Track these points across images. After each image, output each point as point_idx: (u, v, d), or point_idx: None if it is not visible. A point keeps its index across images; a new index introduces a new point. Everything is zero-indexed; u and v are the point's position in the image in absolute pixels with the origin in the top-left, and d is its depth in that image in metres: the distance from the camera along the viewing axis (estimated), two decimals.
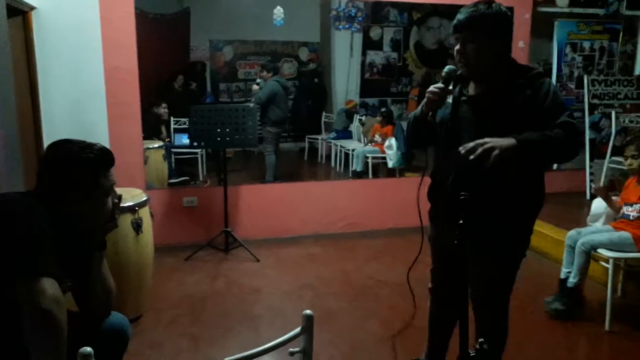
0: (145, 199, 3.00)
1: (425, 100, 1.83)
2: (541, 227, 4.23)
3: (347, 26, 7.40)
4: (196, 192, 4.51)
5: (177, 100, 6.35)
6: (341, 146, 6.78)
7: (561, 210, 4.75)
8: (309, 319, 1.30)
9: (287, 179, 5.94)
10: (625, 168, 3.13)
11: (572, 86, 5.43)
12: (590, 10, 5.49)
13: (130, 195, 2.95)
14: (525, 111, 1.72)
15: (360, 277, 3.65)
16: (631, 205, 3.03)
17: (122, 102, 3.94)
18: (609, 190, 3.26)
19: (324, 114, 7.89)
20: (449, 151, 1.81)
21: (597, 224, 3.26)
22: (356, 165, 6.15)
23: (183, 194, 4.37)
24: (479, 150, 1.61)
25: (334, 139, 7.10)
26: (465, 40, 1.76)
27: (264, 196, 4.56)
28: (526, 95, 1.74)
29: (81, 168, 1.53)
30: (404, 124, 5.56)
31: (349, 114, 7.34)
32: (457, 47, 1.79)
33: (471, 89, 1.87)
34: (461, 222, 1.56)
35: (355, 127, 7.08)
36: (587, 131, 5.18)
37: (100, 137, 3.75)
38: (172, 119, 6.13)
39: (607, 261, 2.95)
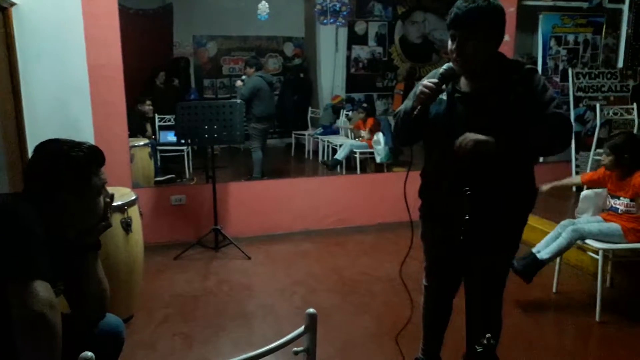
0: (134, 197, 2.95)
1: (416, 94, 1.79)
2: (529, 219, 4.26)
3: (331, 21, 7.37)
4: (184, 190, 4.45)
5: (160, 97, 6.27)
6: (328, 141, 6.76)
7: (548, 202, 4.79)
8: (312, 318, 1.28)
9: (274, 176, 5.91)
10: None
11: (557, 79, 5.47)
12: (574, 4, 5.54)
13: (119, 195, 2.90)
14: (518, 107, 1.71)
15: (352, 273, 3.64)
16: (618, 198, 3.06)
17: (106, 99, 3.86)
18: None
19: (310, 109, 7.87)
20: (444, 148, 1.79)
21: (585, 215, 3.29)
22: (339, 155, 6.11)
23: (170, 192, 4.31)
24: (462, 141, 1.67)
25: (320, 134, 7.08)
26: (463, 37, 1.69)
27: (253, 193, 4.53)
28: (519, 91, 1.72)
29: (71, 167, 1.49)
30: (391, 119, 5.58)
31: (335, 110, 7.33)
32: (455, 45, 1.72)
33: (464, 86, 1.84)
34: (467, 217, 1.55)
35: (342, 122, 7.07)
36: (573, 124, 5.22)
37: (85, 135, 3.68)
38: (156, 116, 6.06)
39: (596, 252, 2.98)
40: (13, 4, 3.47)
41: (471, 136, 1.67)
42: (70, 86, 3.76)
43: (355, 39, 7.90)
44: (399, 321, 2.70)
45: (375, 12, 7.97)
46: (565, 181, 3.45)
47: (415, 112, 1.77)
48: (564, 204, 4.85)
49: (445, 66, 1.78)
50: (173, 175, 5.63)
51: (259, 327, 2.91)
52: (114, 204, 2.81)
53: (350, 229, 4.61)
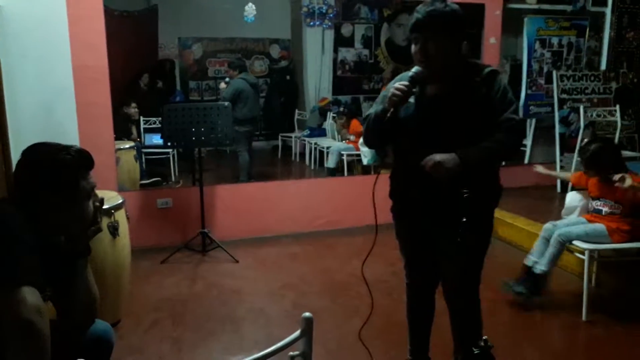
0: (121, 201, 2.92)
1: (388, 97, 1.82)
2: (514, 220, 4.32)
3: (318, 23, 7.37)
4: (170, 193, 4.41)
5: (144, 99, 6.21)
6: (316, 144, 6.75)
7: (533, 203, 4.86)
8: (308, 322, 1.27)
9: (262, 178, 5.89)
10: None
11: (542, 81, 5.54)
12: (558, 7, 5.61)
13: (106, 198, 2.85)
14: (481, 107, 1.80)
15: (341, 275, 3.64)
16: (599, 199, 3.10)
17: (92, 101, 3.82)
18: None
19: (296, 111, 7.85)
20: (413, 150, 1.87)
21: (572, 217, 3.33)
22: (329, 163, 6.11)
23: (157, 195, 4.27)
24: (430, 163, 1.76)
25: (307, 136, 7.07)
26: (426, 39, 1.78)
27: (240, 196, 4.51)
28: (482, 92, 1.80)
29: (58, 170, 1.46)
30: None
31: (322, 112, 7.32)
32: (418, 46, 1.80)
33: (430, 89, 1.90)
34: (464, 220, 1.59)
35: (329, 124, 7.07)
36: (557, 125, 5.30)
37: (70, 138, 3.63)
38: (141, 118, 6.00)
39: (582, 253, 3.02)
40: None
41: (437, 157, 1.76)
42: (54, 88, 3.71)
43: (341, 42, 7.90)
44: (389, 323, 2.72)
45: (361, 14, 7.98)
46: (559, 174, 3.52)
47: (388, 115, 1.81)
48: (548, 204, 4.92)
49: (414, 69, 1.83)
50: (159, 179, 5.58)
51: (249, 330, 2.89)
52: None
53: (339, 231, 4.61)
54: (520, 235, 4.20)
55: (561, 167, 5.28)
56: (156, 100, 6.20)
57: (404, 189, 2.01)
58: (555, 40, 5.54)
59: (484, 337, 1.53)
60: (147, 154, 5.72)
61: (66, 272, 1.56)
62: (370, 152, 5.88)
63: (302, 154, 7.22)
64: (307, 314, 1.29)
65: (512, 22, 5.72)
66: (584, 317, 2.93)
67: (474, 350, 1.54)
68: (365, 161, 5.94)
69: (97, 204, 1.60)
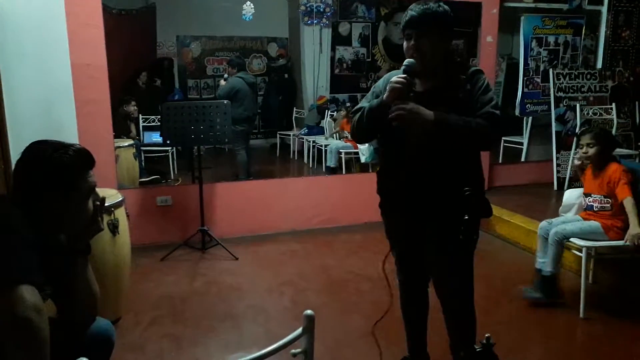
0: (120, 199, 2.93)
1: (388, 89, 1.84)
2: (512, 218, 4.35)
3: (315, 21, 7.38)
4: (170, 190, 4.42)
5: (142, 97, 6.22)
6: (314, 142, 6.77)
7: (530, 201, 4.89)
8: (310, 319, 1.28)
9: (260, 176, 5.90)
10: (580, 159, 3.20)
11: (539, 80, 5.56)
12: (555, 6, 5.63)
13: (105, 196, 2.86)
14: (465, 103, 1.85)
15: (340, 272, 3.66)
16: (591, 196, 3.12)
17: (91, 99, 3.82)
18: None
19: (294, 109, 7.87)
20: (401, 146, 1.92)
21: (569, 215, 3.35)
22: (330, 162, 6.14)
23: (156, 193, 4.28)
24: (399, 111, 1.77)
25: (305, 134, 7.09)
26: (420, 36, 1.84)
27: (239, 193, 4.52)
28: (467, 89, 1.88)
29: (56, 169, 1.46)
30: None
31: (320, 110, 7.34)
32: (411, 42, 1.86)
33: (418, 86, 1.93)
34: (466, 217, 1.61)
35: (326, 122, 7.09)
36: (554, 123, 5.33)
37: (70, 136, 3.63)
38: (140, 116, 6.00)
39: (579, 250, 3.04)
40: None
41: (415, 106, 1.79)
42: (53, 86, 3.71)
43: (339, 40, 7.91)
44: (388, 320, 2.73)
45: (358, 13, 7.99)
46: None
47: (392, 107, 1.83)
48: (545, 202, 4.95)
49: (406, 61, 1.86)
50: (158, 176, 5.58)
51: (249, 327, 2.91)
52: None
53: (337, 228, 4.63)
54: (517, 232, 4.23)
55: (557, 165, 5.32)
56: (155, 98, 6.21)
57: (391, 186, 2.04)
58: (551, 39, 5.56)
59: (486, 335, 1.55)
60: (146, 152, 5.73)
61: (67, 271, 1.56)
62: (368, 150, 5.91)
63: (301, 152, 7.24)
64: (309, 311, 1.30)
65: (508, 21, 5.75)
66: (581, 314, 2.96)
67: (476, 347, 1.57)
68: (363, 159, 5.97)
69: (98, 203, 1.60)
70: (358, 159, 6.09)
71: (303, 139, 7.11)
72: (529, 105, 5.60)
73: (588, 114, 5.18)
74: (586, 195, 3.16)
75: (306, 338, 1.30)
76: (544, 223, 3.20)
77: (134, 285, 3.30)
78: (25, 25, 3.57)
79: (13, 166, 1.55)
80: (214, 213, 4.34)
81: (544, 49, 5.55)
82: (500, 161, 6.08)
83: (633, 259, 3.14)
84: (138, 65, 6.77)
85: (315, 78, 7.77)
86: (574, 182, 5.16)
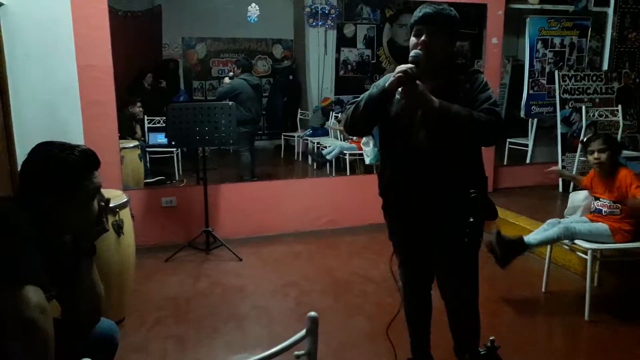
0: (125, 200, 2.94)
1: (394, 77, 1.81)
2: (517, 220, 4.33)
3: (320, 23, 7.39)
4: (174, 192, 4.44)
5: (147, 98, 6.24)
6: (318, 143, 6.77)
7: (535, 203, 4.87)
8: (313, 321, 1.27)
9: (265, 177, 5.91)
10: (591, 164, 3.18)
11: (544, 81, 5.54)
12: (560, 7, 5.62)
13: (110, 197, 2.87)
14: (466, 102, 1.86)
15: (344, 274, 3.66)
16: (600, 199, 3.11)
17: (96, 101, 3.84)
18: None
19: (299, 111, 7.88)
20: (402, 146, 1.93)
21: (575, 217, 3.34)
22: (329, 154, 6.10)
23: (161, 194, 4.29)
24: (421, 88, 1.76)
25: (310, 136, 7.09)
26: (431, 33, 1.86)
27: (243, 195, 4.53)
28: (466, 88, 1.90)
29: (60, 170, 1.47)
30: None
31: (325, 112, 7.35)
32: (421, 38, 1.87)
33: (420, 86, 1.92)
34: (472, 220, 1.61)
35: (331, 124, 7.09)
36: (559, 125, 5.31)
37: (75, 137, 3.65)
38: (145, 117, 6.03)
39: (585, 252, 3.02)
40: (1, 4, 3.43)
41: (424, 93, 1.78)
42: (59, 87, 3.73)
43: (344, 42, 7.92)
44: (395, 321, 2.73)
45: (363, 15, 8.00)
46: (573, 175, 3.49)
47: (397, 93, 1.83)
48: (550, 204, 4.93)
49: (413, 52, 1.86)
50: (163, 177, 5.61)
51: (253, 328, 2.91)
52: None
53: (341, 230, 4.63)
54: (522, 234, 4.20)
55: (563, 167, 5.29)
56: (160, 99, 6.24)
57: (394, 188, 2.03)
58: (557, 41, 5.54)
59: (490, 338, 1.55)
60: (151, 153, 5.75)
61: (71, 271, 1.57)
62: (372, 152, 5.90)
63: (305, 154, 7.25)
64: (313, 313, 1.29)
65: (513, 22, 5.73)
66: (586, 317, 2.94)
67: (481, 350, 1.56)
68: (367, 160, 5.95)
69: (103, 204, 1.60)
70: (362, 160, 6.08)
71: (307, 140, 7.12)
72: (534, 106, 5.58)
73: (594, 115, 5.16)
74: (596, 198, 3.15)
75: (310, 340, 1.30)
76: (552, 220, 3.18)
77: (138, 285, 3.31)
78: (32, 27, 3.60)
79: (19, 167, 1.55)
80: (218, 214, 4.35)
81: (549, 51, 5.53)
82: (505, 163, 6.07)
83: (638, 262, 3.13)
84: (143, 67, 6.80)
85: (319, 79, 7.78)
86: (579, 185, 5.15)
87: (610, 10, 5.70)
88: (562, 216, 3.45)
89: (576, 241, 3.03)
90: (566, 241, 3.08)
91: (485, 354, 1.55)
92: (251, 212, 4.48)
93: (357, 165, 6.21)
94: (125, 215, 2.91)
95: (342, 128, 6.59)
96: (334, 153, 6.10)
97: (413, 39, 1.91)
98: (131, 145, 4.98)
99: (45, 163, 1.47)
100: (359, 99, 2.01)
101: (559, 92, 5.28)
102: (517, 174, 5.55)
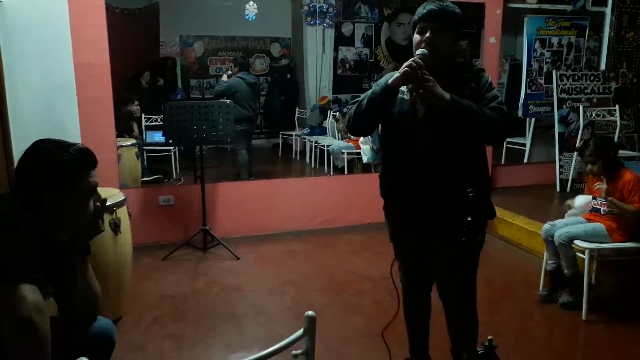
0: (122, 198, 2.93)
1: (399, 73, 1.81)
2: (514, 219, 4.33)
3: (318, 22, 7.38)
4: (172, 190, 4.42)
5: (144, 96, 6.22)
6: (316, 142, 6.76)
7: (533, 202, 4.87)
8: (311, 321, 1.27)
9: (262, 176, 5.89)
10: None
11: (542, 81, 5.54)
12: (558, 7, 5.62)
13: (107, 195, 2.85)
14: (471, 101, 1.83)
15: (342, 273, 3.65)
16: (598, 198, 3.11)
17: (93, 98, 3.83)
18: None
19: (297, 109, 7.86)
20: (406, 146, 1.93)
21: (574, 218, 3.31)
22: (336, 161, 6.10)
23: (158, 192, 4.29)
24: (432, 83, 1.76)
25: (307, 134, 7.08)
26: (436, 30, 1.85)
27: (241, 193, 4.52)
28: (471, 87, 1.89)
29: (56, 167, 1.45)
30: None
31: (322, 110, 7.33)
32: (426, 35, 1.86)
33: None
34: (469, 219, 1.60)
35: (329, 123, 7.09)
36: (557, 125, 5.32)
37: (72, 135, 3.63)
38: (143, 116, 6.01)
39: (582, 252, 3.03)
40: None
41: (436, 86, 1.78)
42: (56, 85, 3.71)
43: (342, 40, 7.89)
44: (393, 321, 2.73)
45: (361, 13, 7.98)
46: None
47: (401, 92, 1.86)
48: (548, 203, 4.94)
49: (419, 51, 1.85)
50: (160, 176, 5.58)
51: (250, 327, 2.90)
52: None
53: (339, 229, 4.62)
54: (520, 234, 4.22)
55: (560, 167, 5.30)
56: (157, 98, 6.21)
57: (396, 189, 2.02)
58: (555, 40, 5.55)
59: (488, 337, 1.55)
60: (148, 151, 5.73)
61: (67, 271, 1.55)
62: (370, 151, 5.90)
63: (303, 152, 7.24)
64: (310, 312, 1.29)
65: (511, 22, 5.73)
66: (583, 317, 2.95)
67: (479, 350, 1.56)
68: (365, 159, 5.96)
69: (99, 204, 1.58)
70: (360, 159, 6.07)
71: (305, 139, 7.11)
72: (532, 106, 5.59)
73: (591, 115, 5.17)
74: (594, 197, 3.15)
75: (307, 339, 1.29)
76: (546, 226, 3.19)
77: (136, 284, 3.30)
78: (28, 24, 3.57)
79: (16, 164, 1.54)
80: (215, 213, 4.34)
81: (547, 50, 5.53)
82: (502, 162, 6.07)
83: (636, 261, 3.13)
84: (141, 65, 6.77)
85: (317, 78, 7.76)
86: (577, 184, 5.16)
87: (608, 10, 5.71)
88: (559, 216, 3.44)
89: (574, 241, 3.03)
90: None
91: (483, 354, 1.55)
92: (249, 210, 4.47)
93: (355, 164, 6.20)
94: (122, 213, 2.90)
95: (341, 127, 6.60)
96: (341, 158, 6.07)
97: (417, 37, 1.89)
98: (128, 143, 4.96)
99: (41, 160, 1.46)
100: (360, 97, 1.99)
101: (557, 92, 5.28)
102: (514, 174, 5.56)
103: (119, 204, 2.88)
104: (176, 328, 2.87)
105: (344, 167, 6.05)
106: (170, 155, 5.87)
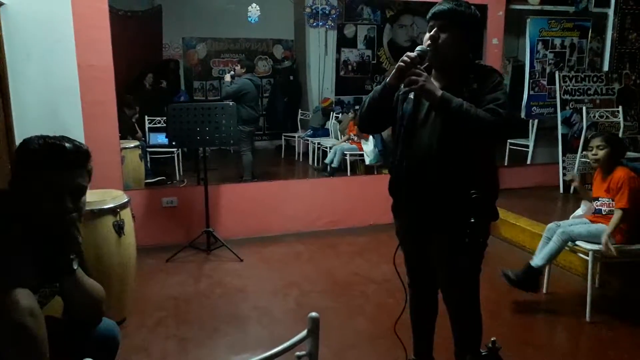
0: (126, 200, 2.93)
1: (394, 70, 1.82)
2: (517, 221, 4.32)
3: (321, 24, 7.40)
4: (175, 192, 4.44)
5: (148, 98, 6.25)
6: (319, 143, 6.77)
7: (536, 203, 4.87)
8: (315, 322, 1.27)
9: (265, 178, 5.91)
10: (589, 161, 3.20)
11: (544, 82, 5.54)
12: (561, 8, 5.62)
13: (111, 197, 2.88)
14: (470, 101, 1.78)
15: (345, 275, 3.65)
16: (599, 199, 3.11)
17: (97, 101, 3.84)
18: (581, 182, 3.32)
19: (300, 111, 7.88)
20: (407, 145, 1.92)
21: (576, 220, 3.31)
22: (331, 161, 6.11)
23: (162, 194, 4.29)
24: (413, 77, 1.76)
25: (310, 136, 7.10)
26: (442, 28, 1.84)
27: (244, 195, 4.52)
28: (473, 88, 1.84)
29: (23, 149, 1.43)
30: None
31: (325, 112, 7.35)
32: (432, 32, 1.86)
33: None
34: (472, 220, 1.60)
35: (331, 124, 7.10)
36: (560, 126, 5.31)
37: (75, 137, 3.57)
38: (146, 117, 6.03)
39: (586, 253, 3.02)
40: (1, 4, 3.43)
41: (428, 82, 1.78)
42: (59, 87, 3.73)
43: (344, 42, 7.93)
44: (394, 323, 2.73)
45: (364, 15, 8.00)
46: (585, 192, 3.40)
47: (401, 89, 1.85)
48: (551, 205, 4.93)
49: (418, 47, 1.85)
50: (163, 177, 5.61)
51: (254, 329, 2.90)
52: (105, 207, 2.79)
53: (342, 230, 4.62)
54: (523, 235, 4.21)
55: (563, 168, 5.29)
56: (160, 99, 6.24)
57: (398, 187, 2.02)
58: (557, 41, 5.54)
59: (492, 339, 1.54)
60: (151, 153, 5.76)
61: (62, 288, 1.53)
62: (372, 152, 5.90)
63: (305, 154, 7.25)
64: (314, 313, 1.29)
65: (514, 23, 5.73)
66: (587, 318, 2.94)
67: (482, 351, 1.55)
68: (367, 161, 5.97)
69: (75, 214, 1.49)
70: (363, 160, 6.08)
71: (308, 140, 7.12)
72: (534, 107, 5.58)
73: (594, 116, 5.16)
74: (595, 198, 3.15)
75: (311, 340, 1.29)
76: (552, 225, 3.18)
77: (139, 286, 3.30)
78: (32, 26, 3.60)
79: None
80: (219, 214, 4.34)
81: (550, 52, 5.53)
82: (506, 164, 6.07)
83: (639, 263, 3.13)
84: (144, 67, 6.80)
85: (320, 80, 7.78)
86: (571, 183, 5.14)
87: (611, 11, 5.70)
88: (562, 217, 3.44)
89: (577, 242, 3.03)
90: (569, 243, 3.08)
91: (486, 355, 1.55)
92: (252, 212, 4.48)
93: (358, 166, 6.21)
94: (126, 215, 2.91)
95: (346, 134, 6.60)
96: (337, 158, 6.09)
97: (425, 35, 1.90)
98: (132, 145, 4.98)
99: (17, 152, 1.46)
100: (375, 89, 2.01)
101: (560, 93, 5.28)
102: (518, 175, 5.55)
103: (123, 206, 2.88)
104: (180, 329, 2.87)
105: (336, 168, 6.06)
106: (174, 157, 5.90)
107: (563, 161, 5.30)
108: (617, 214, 2.92)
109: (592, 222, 3.11)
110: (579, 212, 3.37)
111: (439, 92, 1.76)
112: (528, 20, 5.44)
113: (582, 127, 5.13)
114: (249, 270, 3.75)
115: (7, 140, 3.46)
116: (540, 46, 5.49)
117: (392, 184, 2.06)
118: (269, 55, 8.62)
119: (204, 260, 3.94)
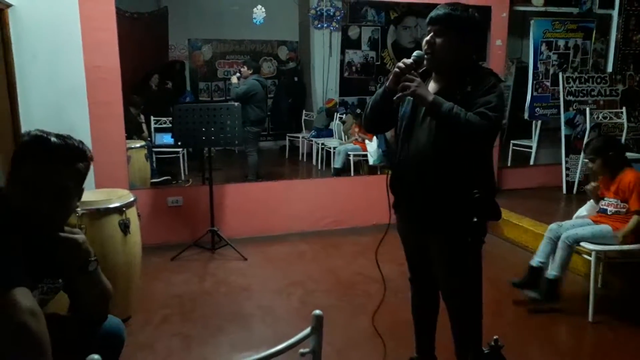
0: (132, 199, 2.97)
1: (391, 75, 1.87)
2: (520, 221, 4.34)
3: (325, 25, 7.42)
4: (180, 191, 4.47)
5: (153, 99, 6.29)
6: (323, 144, 6.80)
7: (539, 204, 4.87)
8: (318, 319, 1.29)
9: (269, 178, 5.94)
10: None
11: (548, 83, 5.55)
12: (565, 9, 5.63)
13: (117, 196, 2.92)
14: (462, 104, 1.79)
15: (348, 274, 3.68)
16: (605, 199, 3.12)
17: (103, 101, 3.88)
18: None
19: (304, 112, 7.91)
20: (405, 145, 1.96)
21: (578, 220, 3.32)
22: (337, 163, 6.15)
23: (167, 193, 4.33)
24: (406, 81, 1.80)
25: (314, 137, 7.12)
26: (438, 33, 1.87)
27: (249, 195, 4.56)
28: (466, 90, 1.85)
29: (22, 144, 1.42)
30: None
31: (329, 113, 7.37)
32: (428, 37, 1.89)
33: (430, 88, 1.95)
34: (475, 220, 1.61)
35: (335, 125, 7.12)
36: (563, 127, 5.32)
37: (82, 137, 3.61)
38: (152, 118, 6.08)
39: (589, 254, 3.03)
40: (9, 5, 3.48)
41: (420, 87, 1.81)
42: (66, 88, 3.78)
43: (348, 44, 7.94)
44: (396, 322, 2.75)
45: (368, 17, 8.01)
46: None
47: (399, 94, 1.85)
48: (554, 205, 4.94)
49: (415, 53, 1.89)
50: (169, 177, 5.65)
51: (257, 327, 2.93)
52: (111, 205, 2.82)
53: (345, 230, 4.65)
54: (526, 236, 4.22)
55: (566, 169, 5.30)
56: (166, 100, 6.28)
57: (395, 186, 2.06)
58: (561, 43, 5.55)
59: (494, 337, 1.56)
60: (157, 152, 5.79)
61: (76, 286, 1.55)
62: (376, 153, 5.92)
63: (309, 154, 7.27)
64: (318, 311, 1.31)
65: (518, 24, 5.74)
66: (590, 319, 2.95)
67: (484, 350, 1.58)
68: (371, 161, 5.98)
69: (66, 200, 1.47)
70: (366, 160, 6.10)
71: (312, 141, 7.15)
72: (538, 108, 5.60)
73: (598, 117, 5.17)
74: (601, 198, 3.16)
75: (314, 338, 1.31)
76: (553, 225, 3.19)
77: (145, 284, 3.33)
78: (40, 28, 3.64)
79: None
80: (223, 214, 4.38)
81: (553, 53, 5.54)
82: (509, 164, 6.08)
83: None
84: (150, 68, 6.85)
85: (324, 81, 7.80)
86: (583, 186, 5.14)
87: (615, 13, 5.71)
88: (565, 218, 3.45)
89: (581, 243, 3.03)
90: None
91: (488, 353, 1.57)
92: (256, 212, 4.51)
93: (362, 166, 6.23)
94: (132, 214, 2.94)
95: (350, 136, 6.62)
96: (341, 159, 6.11)
97: (424, 40, 1.93)
98: (138, 145, 5.02)
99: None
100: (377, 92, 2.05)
101: (563, 94, 5.29)
102: (521, 176, 5.56)
103: (129, 205, 2.92)
104: (184, 327, 2.90)
105: (341, 169, 6.07)
106: (179, 157, 5.93)
107: (566, 162, 5.31)
108: (634, 220, 2.91)
109: (596, 222, 3.12)
110: (582, 211, 3.39)
111: (430, 97, 1.78)
112: (532, 22, 5.45)
113: (586, 128, 5.13)
114: (253, 269, 3.78)
115: (15, 140, 3.51)
116: (544, 47, 5.51)
117: (392, 181, 2.08)
118: (273, 57, 8.65)
119: (208, 259, 3.97)
